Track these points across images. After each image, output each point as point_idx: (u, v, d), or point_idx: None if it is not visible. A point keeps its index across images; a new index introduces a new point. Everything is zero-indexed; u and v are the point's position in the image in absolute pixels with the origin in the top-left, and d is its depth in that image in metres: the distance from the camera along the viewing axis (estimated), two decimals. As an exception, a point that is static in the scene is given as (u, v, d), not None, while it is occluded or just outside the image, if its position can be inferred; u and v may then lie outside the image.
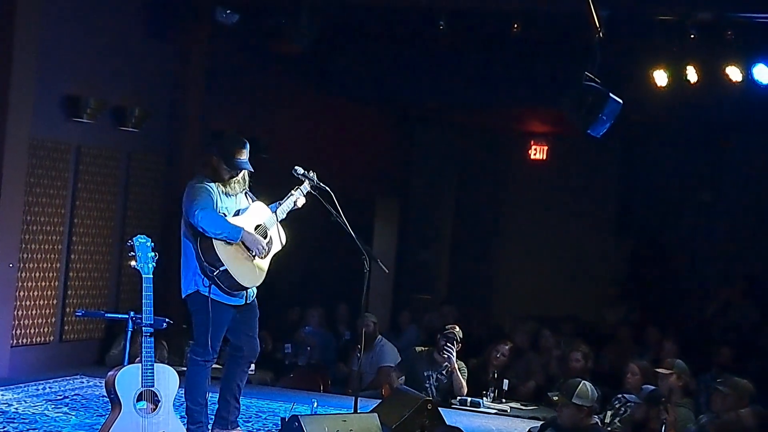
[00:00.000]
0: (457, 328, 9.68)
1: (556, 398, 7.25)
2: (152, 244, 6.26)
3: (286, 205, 7.31)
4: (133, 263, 6.19)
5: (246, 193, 7.26)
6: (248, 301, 7.20)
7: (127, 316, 6.60)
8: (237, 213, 7.10)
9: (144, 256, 6.20)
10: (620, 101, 9.27)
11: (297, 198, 7.36)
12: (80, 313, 8.00)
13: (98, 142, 10.53)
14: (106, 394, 6.16)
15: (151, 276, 6.17)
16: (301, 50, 11.15)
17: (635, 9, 10.20)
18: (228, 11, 10.99)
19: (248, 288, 7.13)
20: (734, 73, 10.68)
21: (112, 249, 10.80)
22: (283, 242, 7.34)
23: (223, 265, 6.87)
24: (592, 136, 9.41)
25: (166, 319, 6.78)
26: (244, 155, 7.10)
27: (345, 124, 14.09)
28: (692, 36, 10.19)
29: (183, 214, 7.03)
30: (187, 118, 11.50)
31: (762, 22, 10.10)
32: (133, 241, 6.24)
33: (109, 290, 10.80)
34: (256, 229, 7.12)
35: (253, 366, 9.94)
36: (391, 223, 16.37)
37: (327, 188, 7.35)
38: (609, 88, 9.23)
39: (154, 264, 6.20)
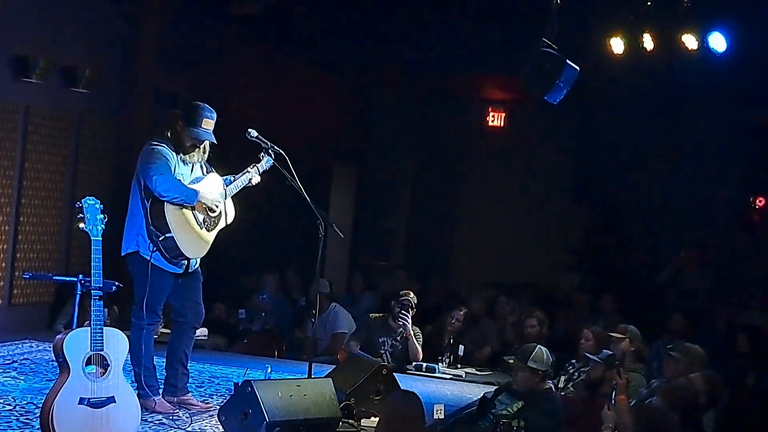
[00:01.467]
0: (412, 294, 9.67)
1: (511, 361, 7.27)
2: (101, 206, 6.15)
3: (240, 182, 7.27)
4: (81, 225, 6.09)
5: (202, 163, 7.18)
6: (189, 271, 7.14)
7: (75, 279, 6.48)
8: (191, 183, 7.02)
9: (93, 219, 6.09)
10: (577, 68, 9.26)
11: (252, 176, 7.30)
12: (27, 276, 7.89)
13: (48, 103, 10.38)
14: (54, 358, 6.07)
15: (100, 238, 6.07)
16: (258, 12, 11.03)
17: (592, -24, 10.19)
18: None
19: (190, 259, 7.07)
20: (690, 41, 10.67)
21: (62, 212, 10.66)
22: (230, 220, 7.29)
23: (170, 232, 6.82)
24: (549, 102, 9.40)
25: (116, 283, 6.71)
26: (210, 126, 7.03)
27: (302, 89, 13.97)
28: (648, 3, 10.19)
29: (137, 173, 6.94)
30: (139, 79, 11.35)
31: (717, -10, 10.12)
32: (81, 203, 6.12)
33: (59, 253, 10.68)
34: None
35: (206, 331, 9.94)
36: (348, 189, 16.31)
37: (282, 152, 7.28)
38: (566, 56, 9.21)
39: (103, 226, 6.10)
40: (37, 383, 7.79)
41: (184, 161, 7.04)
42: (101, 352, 5.92)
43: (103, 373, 5.93)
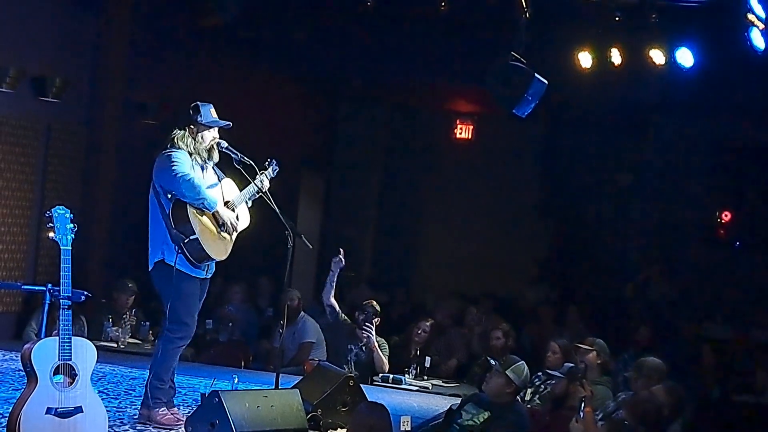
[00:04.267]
0: (374, 302, 9.69)
1: (493, 362, 7.34)
2: (71, 215, 6.14)
3: (253, 186, 7.26)
4: (51, 235, 6.07)
5: (213, 167, 7.19)
6: (208, 275, 7.14)
7: (44, 288, 6.46)
8: (208, 188, 7.02)
9: (63, 228, 6.08)
10: (545, 82, 9.33)
11: (263, 181, 7.31)
12: (-5, 285, 7.83)
13: (17, 113, 10.33)
14: (22, 368, 6.05)
15: (70, 248, 6.05)
16: (226, 22, 11.04)
17: (561, -10, 10.27)
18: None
19: (214, 260, 7.08)
20: (657, 56, 10.76)
21: (31, 221, 10.61)
22: (245, 225, 7.31)
23: (194, 233, 6.82)
24: (517, 115, 9.46)
25: (84, 292, 6.68)
26: (216, 115, 7.04)
27: (271, 99, 13.97)
28: (617, 18, 10.28)
29: (153, 184, 6.94)
30: (108, 88, 11.33)
31: (685, 6, 10.22)
32: (51, 213, 6.11)
33: (27, 263, 10.61)
34: (225, 205, 7.11)
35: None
36: (316, 199, 16.32)
37: (251, 163, 7.29)
38: (534, 69, 9.28)
39: (72, 236, 6.09)
40: (3, 392, 7.73)
41: (201, 166, 7.04)
42: (69, 362, 5.91)
43: (71, 383, 5.92)
